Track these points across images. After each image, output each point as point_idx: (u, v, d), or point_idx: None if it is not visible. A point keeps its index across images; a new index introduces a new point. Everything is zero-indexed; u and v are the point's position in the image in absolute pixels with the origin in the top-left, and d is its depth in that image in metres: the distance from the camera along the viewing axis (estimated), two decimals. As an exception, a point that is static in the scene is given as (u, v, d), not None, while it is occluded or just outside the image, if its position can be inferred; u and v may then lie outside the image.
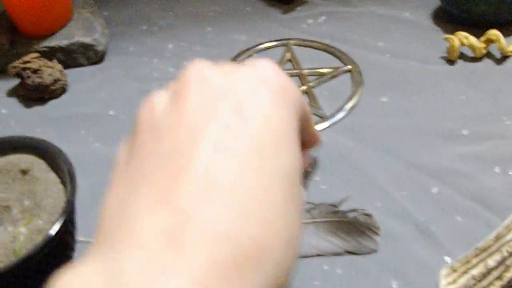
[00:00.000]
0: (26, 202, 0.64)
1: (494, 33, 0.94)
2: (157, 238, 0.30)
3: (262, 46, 1.03)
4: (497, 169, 0.77)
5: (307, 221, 0.70)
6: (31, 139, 0.74)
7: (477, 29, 0.98)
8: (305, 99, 0.47)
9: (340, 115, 0.88)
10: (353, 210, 0.71)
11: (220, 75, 0.39)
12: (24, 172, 0.69)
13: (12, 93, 0.99)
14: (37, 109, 0.96)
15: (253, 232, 0.32)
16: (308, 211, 0.71)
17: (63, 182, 0.67)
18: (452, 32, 0.98)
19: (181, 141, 0.35)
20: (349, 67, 0.96)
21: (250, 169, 0.34)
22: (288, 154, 0.36)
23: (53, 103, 0.97)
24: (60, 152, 0.70)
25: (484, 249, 0.65)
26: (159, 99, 0.40)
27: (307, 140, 0.47)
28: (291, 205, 0.35)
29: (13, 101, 0.97)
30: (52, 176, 0.69)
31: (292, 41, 1.03)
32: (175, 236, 0.30)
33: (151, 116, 0.39)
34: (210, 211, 0.31)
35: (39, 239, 0.60)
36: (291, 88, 0.40)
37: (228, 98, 0.37)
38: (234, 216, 0.32)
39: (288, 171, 0.36)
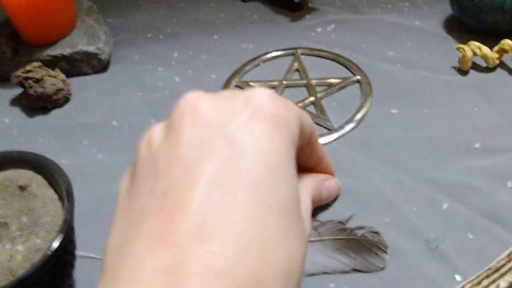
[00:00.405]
0: (24, 219, 0.63)
1: (507, 43, 0.92)
2: (158, 277, 0.31)
3: (269, 55, 1.02)
4: (509, 184, 0.76)
5: (314, 239, 0.69)
6: (29, 154, 0.73)
7: (490, 38, 0.97)
8: (310, 123, 0.46)
9: (349, 127, 0.87)
10: (361, 228, 0.70)
11: (214, 107, 0.39)
12: (22, 188, 0.68)
13: (15, 102, 0.98)
14: (40, 119, 0.95)
15: (253, 266, 0.32)
16: (315, 228, 0.69)
17: (61, 199, 0.67)
18: (465, 42, 0.97)
19: (177, 178, 0.35)
20: (358, 77, 0.95)
21: (246, 204, 0.34)
22: (284, 186, 0.36)
23: (56, 112, 0.96)
24: (58, 168, 0.69)
25: (496, 269, 0.64)
26: (157, 132, 0.41)
27: (317, 164, 0.47)
28: (291, 236, 0.35)
29: (16, 110, 0.97)
30: (50, 192, 0.68)
31: (300, 50, 1.02)
32: (175, 274, 0.30)
33: (148, 150, 0.40)
34: (208, 249, 0.31)
35: (36, 258, 0.59)
36: (288, 116, 0.40)
37: (222, 131, 0.37)
38: (232, 252, 0.32)
39: (285, 203, 0.36)
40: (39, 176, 0.70)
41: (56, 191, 0.68)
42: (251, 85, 0.96)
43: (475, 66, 0.95)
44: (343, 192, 0.76)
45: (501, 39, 0.94)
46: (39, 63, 0.96)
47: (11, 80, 0.94)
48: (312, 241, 0.69)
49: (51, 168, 0.69)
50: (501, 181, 0.76)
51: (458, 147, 0.82)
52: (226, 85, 0.97)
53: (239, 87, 0.96)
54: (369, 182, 0.78)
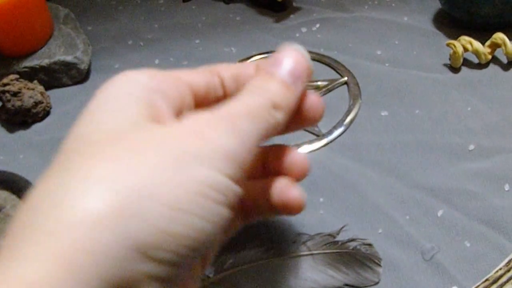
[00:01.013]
0: (-1, 242, 0.61)
1: (499, 37, 0.90)
2: None
3: (253, 58, 1.00)
4: (507, 187, 0.73)
5: (303, 253, 0.67)
6: (4, 173, 0.71)
7: (481, 33, 0.95)
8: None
9: (337, 132, 0.84)
10: (353, 240, 0.68)
11: None
12: None
13: None
14: (20, 134, 0.93)
15: None
16: (304, 242, 0.67)
17: None
18: (455, 37, 0.94)
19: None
20: (346, 78, 0.92)
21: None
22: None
23: (36, 127, 0.94)
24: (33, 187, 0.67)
25: (494, 280, 0.61)
26: None
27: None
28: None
29: None
30: None
31: (285, 52, 0.98)
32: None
33: None
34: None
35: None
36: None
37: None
38: None
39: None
40: (14, 196, 0.68)
41: None
42: None
43: (467, 63, 0.93)
44: (334, 201, 0.74)
45: (493, 33, 0.92)
46: (16, 76, 0.94)
47: (-14, 94, 0.91)
48: (302, 255, 0.67)
49: (26, 187, 0.68)
50: (498, 184, 0.74)
51: (452, 149, 0.79)
52: None
53: None
54: (360, 190, 0.75)
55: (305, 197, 0.47)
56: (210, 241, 0.37)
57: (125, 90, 0.41)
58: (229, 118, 0.39)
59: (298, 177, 0.49)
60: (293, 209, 0.47)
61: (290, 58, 0.44)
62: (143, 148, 0.36)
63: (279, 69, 0.44)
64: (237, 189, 0.38)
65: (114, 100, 0.40)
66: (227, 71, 0.47)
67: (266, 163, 0.49)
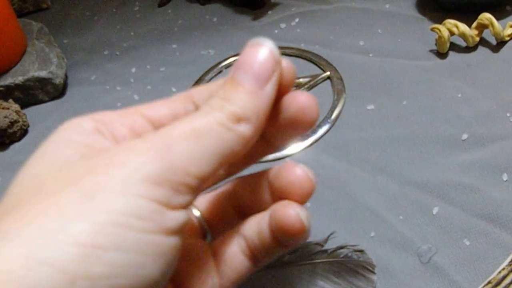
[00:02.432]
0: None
1: (486, 17, 0.84)
2: None
3: (232, 59, 0.95)
4: (505, 177, 0.67)
5: (289, 265, 0.61)
6: None
7: (467, 14, 0.89)
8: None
9: (322, 130, 0.79)
10: (343, 247, 0.62)
11: None
12: None
13: None
14: None
15: None
16: (290, 253, 0.61)
17: None
18: (440, 21, 0.89)
19: None
20: (328, 73, 0.87)
21: None
22: None
23: (14, 147, 0.90)
24: None
25: (497, 283, 0.55)
26: None
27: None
28: None
29: None
30: None
31: (264, 50, 0.93)
32: None
33: None
34: None
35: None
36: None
37: None
38: None
39: None
40: None
41: None
42: None
43: (454, 47, 0.87)
44: (322, 204, 0.68)
45: (479, 14, 0.86)
46: None
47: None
48: (288, 267, 0.61)
49: None
50: (495, 174, 0.68)
51: (444, 140, 0.73)
52: None
53: None
54: (349, 191, 0.70)
55: (309, 218, 0.40)
56: (153, 277, 0.31)
57: (66, 136, 0.37)
58: (163, 140, 0.33)
59: (300, 198, 0.41)
60: (291, 232, 0.39)
61: (254, 58, 0.37)
62: (57, 190, 0.32)
63: (241, 74, 0.37)
64: (174, 213, 0.32)
65: (53, 146, 0.37)
66: (201, 93, 0.41)
67: (271, 189, 0.42)
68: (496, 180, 0.67)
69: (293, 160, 0.74)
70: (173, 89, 0.92)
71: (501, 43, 0.86)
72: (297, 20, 1.01)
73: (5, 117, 0.88)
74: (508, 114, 0.75)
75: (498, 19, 0.85)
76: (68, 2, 1.23)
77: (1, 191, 0.76)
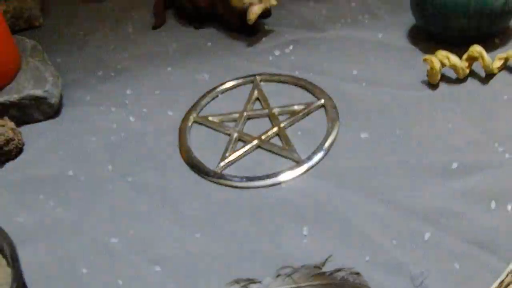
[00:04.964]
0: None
1: (476, 50, 0.90)
2: None
3: (227, 84, 1.00)
4: (493, 205, 0.73)
5: (289, 286, 0.66)
6: None
7: (458, 46, 0.95)
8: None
9: (317, 157, 0.84)
10: (340, 270, 0.67)
11: None
12: None
13: None
14: None
15: None
16: (289, 275, 0.66)
17: (8, 264, 0.65)
18: (431, 51, 0.94)
19: None
20: (323, 101, 0.92)
21: None
22: None
23: (9, 165, 0.93)
24: (2, 232, 0.67)
25: (488, 305, 0.60)
26: None
27: None
28: None
29: None
30: None
31: (259, 77, 0.99)
32: None
33: None
34: None
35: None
36: None
37: None
38: None
39: None
40: None
41: (3, 256, 0.66)
42: (210, 120, 0.93)
43: (445, 78, 0.93)
44: (318, 229, 0.73)
45: (470, 46, 0.92)
46: None
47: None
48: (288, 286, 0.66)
49: None
50: (484, 202, 0.74)
51: (435, 169, 0.79)
52: (183, 122, 0.94)
53: (198, 123, 0.94)
54: (345, 217, 0.75)
55: None
56: None
57: None
58: None
59: None
60: None
61: None
62: None
63: None
64: None
65: None
66: None
67: None
68: (484, 208, 0.73)
69: (289, 186, 0.80)
70: (169, 113, 0.96)
71: (490, 75, 0.92)
72: (291, 47, 1.05)
73: (1, 134, 0.91)
74: (496, 144, 0.81)
75: (487, 51, 0.91)
76: (60, 21, 1.26)
77: (0, 207, 0.82)
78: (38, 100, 0.99)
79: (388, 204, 0.75)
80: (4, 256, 0.65)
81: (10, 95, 0.98)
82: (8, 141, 0.92)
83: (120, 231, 0.80)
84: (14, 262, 0.62)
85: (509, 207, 0.72)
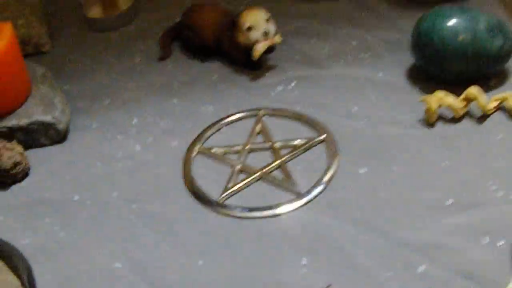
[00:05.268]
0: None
1: (472, 91, 0.94)
2: None
3: (231, 118, 1.03)
4: (485, 240, 0.76)
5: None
6: None
7: (455, 86, 0.98)
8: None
9: (317, 190, 0.87)
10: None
11: None
12: None
13: None
14: None
15: None
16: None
17: (24, 285, 0.68)
18: (429, 91, 0.98)
19: None
20: (323, 136, 0.96)
21: None
22: None
23: (15, 188, 0.96)
24: (18, 253, 0.71)
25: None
26: None
27: None
28: None
29: None
30: (11, 278, 0.69)
31: (262, 111, 1.03)
32: None
33: None
34: None
35: None
36: None
37: None
38: None
39: None
40: None
41: (18, 277, 0.68)
42: (214, 152, 0.96)
43: (442, 117, 0.96)
44: (316, 260, 0.77)
45: (467, 86, 0.95)
46: None
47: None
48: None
49: (11, 253, 0.70)
50: (477, 238, 0.77)
51: (430, 204, 0.83)
52: (188, 152, 0.97)
53: (202, 154, 0.97)
54: (342, 248, 0.78)
55: None
56: None
57: None
58: None
59: None
60: None
61: None
62: None
63: None
64: None
65: None
66: None
67: None
68: (477, 243, 0.76)
69: (289, 217, 0.83)
70: (174, 143, 0.99)
71: (485, 115, 0.95)
72: (293, 83, 1.09)
73: (9, 158, 0.94)
74: (490, 182, 0.84)
75: (484, 90, 0.95)
76: (68, 48, 1.29)
77: (3, 231, 0.84)
78: (46, 126, 1.01)
79: (384, 237, 0.79)
80: (20, 278, 0.67)
81: (19, 120, 1.01)
82: (15, 165, 0.95)
83: (123, 256, 0.82)
84: (30, 283, 0.64)
85: (500, 243, 0.76)
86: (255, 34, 1.07)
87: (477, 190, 0.84)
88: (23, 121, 1.01)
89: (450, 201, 0.82)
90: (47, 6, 1.38)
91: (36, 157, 1.00)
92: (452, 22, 0.98)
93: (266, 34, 1.08)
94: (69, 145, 1.03)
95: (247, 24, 1.07)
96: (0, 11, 1.29)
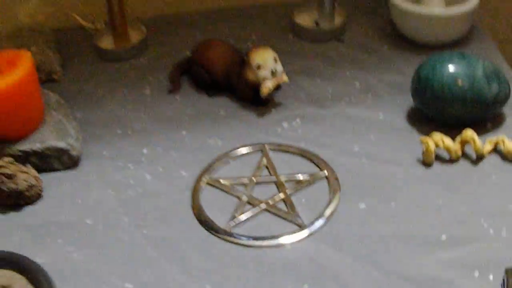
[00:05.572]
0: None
1: (469, 134, 0.99)
2: None
3: (238, 151, 1.08)
4: (477, 274, 0.82)
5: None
6: (11, 254, 0.76)
7: (452, 129, 1.04)
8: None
9: (319, 223, 0.92)
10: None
11: None
12: None
13: None
14: (12, 216, 0.98)
15: None
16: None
17: None
18: (427, 133, 1.04)
19: None
20: (326, 173, 1.01)
21: None
22: None
23: (28, 209, 0.99)
24: (39, 268, 0.75)
25: None
26: None
27: None
28: None
29: None
30: None
31: (268, 146, 1.07)
32: None
33: None
34: None
35: None
36: None
37: None
38: None
39: None
40: (20, 276, 0.73)
41: None
42: (221, 183, 1.01)
43: (439, 158, 1.02)
44: (317, 288, 0.82)
45: (463, 129, 1.01)
46: (10, 159, 1.00)
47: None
48: None
49: (33, 268, 0.73)
50: (469, 271, 0.83)
51: (426, 240, 0.88)
52: (197, 183, 1.01)
53: (210, 185, 1.01)
54: (341, 279, 0.83)
55: None
56: None
57: None
58: None
59: None
60: None
61: None
62: None
63: None
64: None
65: None
66: None
67: None
68: (469, 277, 0.82)
69: (291, 247, 0.88)
70: (183, 173, 1.04)
71: (480, 157, 1.01)
72: (298, 121, 1.14)
73: (24, 180, 0.98)
74: (482, 220, 0.90)
75: (479, 135, 1.01)
76: (79, 77, 1.32)
77: (20, 248, 0.87)
78: (60, 152, 1.05)
79: (381, 269, 0.84)
80: None
81: (33, 144, 1.04)
82: (30, 187, 0.98)
83: (134, 277, 0.86)
84: None
85: (491, 277, 0.81)
86: (263, 72, 1.12)
87: (470, 227, 0.90)
88: (37, 146, 1.04)
89: (444, 237, 0.88)
90: (59, 34, 1.41)
91: (48, 181, 1.04)
92: (451, 67, 1.03)
93: (274, 73, 1.12)
94: (81, 171, 1.07)
95: (256, 63, 1.12)
96: (13, 37, 1.34)
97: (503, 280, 0.78)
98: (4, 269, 0.76)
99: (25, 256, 0.76)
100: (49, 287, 0.71)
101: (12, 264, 0.75)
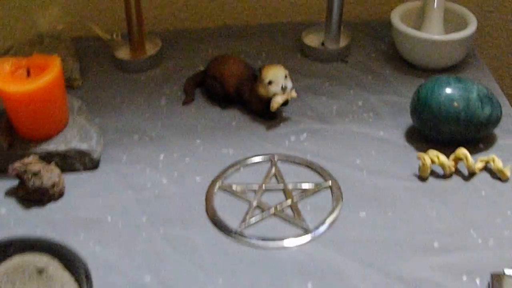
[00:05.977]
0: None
1: (462, 152, 1.08)
2: None
3: (249, 160, 1.15)
4: (464, 278, 0.90)
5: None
6: (46, 240, 0.83)
7: (447, 147, 1.12)
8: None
9: (322, 228, 1.00)
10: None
11: None
12: (40, 271, 0.77)
13: (11, 193, 1.08)
14: (36, 211, 1.05)
15: None
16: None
17: (78, 281, 0.76)
18: (424, 150, 1.11)
19: None
20: (330, 183, 1.08)
21: None
22: None
23: (51, 206, 1.06)
24: (73, 253, 0.81)
25: None
26: None
27: None
28: None
29: (12, 202, 1.06)
30: (67, 275, 0.77)
31: (276, 156, 1.15)
32: None
33: None
34: None
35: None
36: None
37: None
38: None
39: None
40: (55, 260, 0.79)
41: (73, 274, 0.77)
42: (233, 189, 1.08)
43: (434, 173, 1.10)
44: (320, 286, 0.89)
45: (457, 147, 1.09)
46: (36, 157, 1.06)
47: (8, 171, 1.03)
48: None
49: (67, 252, 0.80)
50: (458, 275, 0.91)
51: (420, 246, 0.96)
52: (210, 188, 1.09)
53: (223, 190, 1.09)
54: (343, 278, 0.91)
55: None
56: None
57: None
58: None
59: None
60: None
61: None
62: None
63: None
64: None
65: None
66: None
67: None
68: (458, 280, 0.90)
69: (297, 249, 0.96)
70: (198, 179, 1.11)
71: (472, 174, 1.10)
72: (305, 135, 1.22)
73: (49, 178, 1.04)
74: (471, 230, 0.99)
75: (472, 153, 1.09)
76: (97, 85, 1.38)
77: None
78: (82, 154, 1.11)
79: (379, 271, 0.92)
80: (73, 274, 0.77)
81: (57, 145, 1.11)
82: (54, 185, 1.05)
83: (152, 271, 0.93)
84: (87, 277, 0.73)
85: (477, 281, 0.90)
86: (274, 88, 1.20)
87: (460, 236, 0.98)
88: (61, 147, 1.11)
89: (436, 244, 0.96)
90: (78, 43, 1.48)
91: (70, 180, 1.10)
92: (448, 90, 1.11)
93: (284, 89, 1.20)
94: (101, 172, 1.13)
95: (268, 79, 1.20)
96: (36, 44, 1.40)
97: (489, 284, 0.87)
98: (40, 253, 0.81)
99: (59, 241, 0.81)
100: (85, 269, 0.76)
101: (47, 249, 0.80)
